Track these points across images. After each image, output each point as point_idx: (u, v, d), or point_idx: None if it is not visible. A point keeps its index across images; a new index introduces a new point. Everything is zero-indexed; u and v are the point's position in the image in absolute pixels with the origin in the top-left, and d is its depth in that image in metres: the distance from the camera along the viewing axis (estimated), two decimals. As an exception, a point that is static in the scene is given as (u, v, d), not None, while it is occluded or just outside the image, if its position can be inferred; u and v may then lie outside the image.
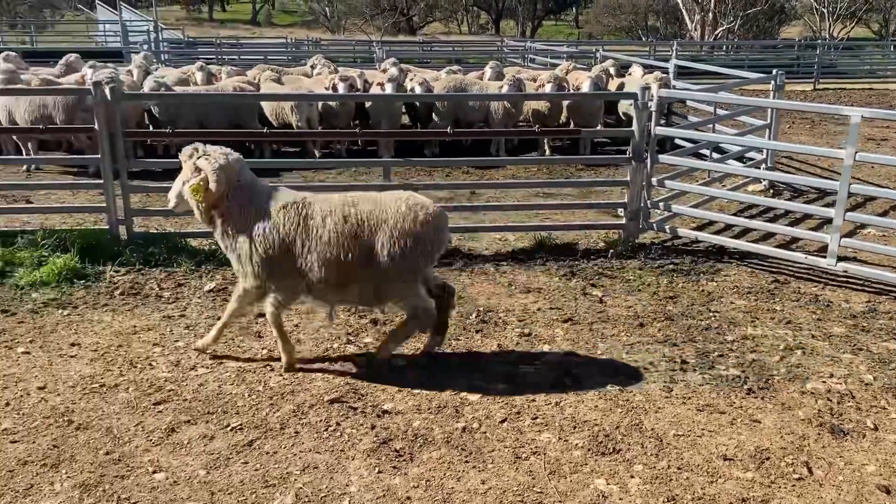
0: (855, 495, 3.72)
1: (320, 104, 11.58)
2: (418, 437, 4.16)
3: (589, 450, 4.07)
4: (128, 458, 3.93)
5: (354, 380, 4.79)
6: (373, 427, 4.24)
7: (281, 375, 4.82)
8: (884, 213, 8.79)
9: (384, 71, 13.51)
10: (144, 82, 11.28)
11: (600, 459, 3.99)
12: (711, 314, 5.93)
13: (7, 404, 4.44)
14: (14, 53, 14.19)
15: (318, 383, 4.74)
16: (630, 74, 13.76)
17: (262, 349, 5.23)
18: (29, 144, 10.85)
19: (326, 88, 11.64)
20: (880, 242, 7.42)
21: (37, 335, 5.38)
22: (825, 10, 42.76)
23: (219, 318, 5.13)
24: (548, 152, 12.18)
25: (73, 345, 5.25)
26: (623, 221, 7.59)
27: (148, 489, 3.69)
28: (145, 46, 22.83)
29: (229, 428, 4.21)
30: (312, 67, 14.94)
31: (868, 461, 3.99)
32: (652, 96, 7.23)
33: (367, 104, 11.93)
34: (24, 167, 10.57)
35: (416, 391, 4.66)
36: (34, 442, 4.06)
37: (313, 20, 59.90)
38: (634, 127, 7.25)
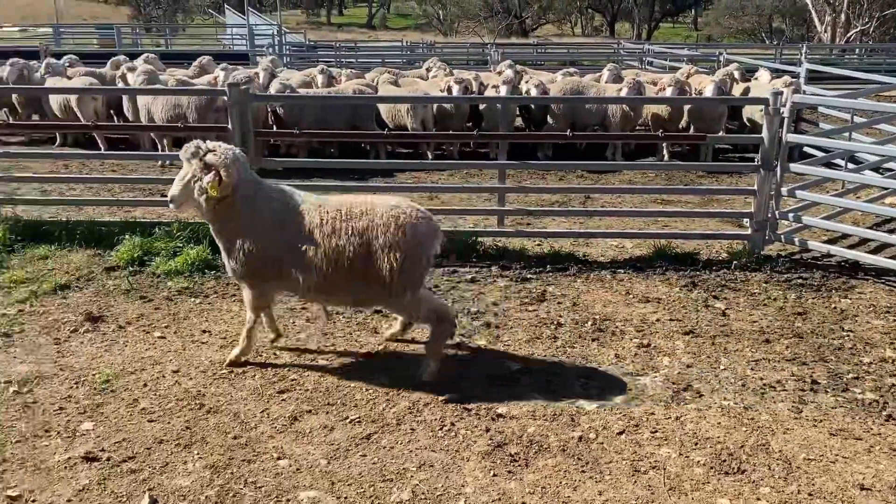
0: None
1: (435, 106, 11.73)
2: (533, 443, 4.13)
3: (711, 468, 3.92)
4: (254, 443, 4.10)
5: (468, 382, 4.81)
6: (487, 430, 4.24)
7: (396, 372, 4.90)
8: None
9: (499, 73, 13.52)
10: (270, 84, 11.79)
11: (724, 479, 3.83)
12: (845, 333, 5.59)
13: (145, 385, 4.74)
14: (153, 55, 15.16)
15: (433, 382, 4.78)
16: (756, 79, 13.17)
17: (378, 345, 5.33)
18: (164, 141, 11.56)
19: (441, 91, 11.79)
20: None
21: (171, 321, 5.72)
22: (973, 11, 39.50)
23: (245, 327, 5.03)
24: (667, 157, 11.84)
25: (204, 331, 5.54)
26: (748, 232, 7.26)
27: (272, 474, 3.84)
28: (270, 49, 23.82)
29: (348, 420, 4.33)
30: (428, 70, 15.16)
31: None
32: (784, 102, 6.88)
33: (482, 106, 11.98)
34: (160, 162, 11.25)
35: (531, 397, 4.63)
36: (169, 422, 4.31)
37: (426, 23, 60.89)
38: (765, 133, 6.93)
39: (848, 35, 39.09)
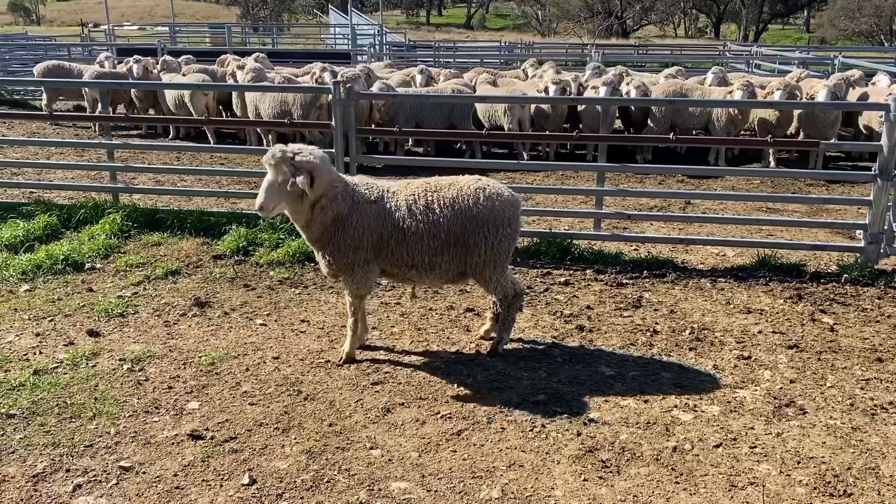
0: None
1: (532, 107, 11.68)
2: (626, 450, 4.06)
3: (815, 488, 3.74)
4: (348, 431, 4.21)
5: (560, 384, 4.77)
6: (578, 434, 4.20)
7: (487, 371, 4.93)
8: None
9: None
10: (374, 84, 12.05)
11: (827, 501, 3.65)
12: (967, 356, 5.22)
13: (247, 369, 4.95)
14: (262, 55, 15.75)
15: (525, 382, 4.78)
16: (874, 83, 12.45)
17: (470, 343, 5.37)
18: (270, 136, 12.02)
19: (539, 91, 11.72)
20: None
21: (272, 309, 5.94)
22: None
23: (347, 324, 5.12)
24: (773, 164, 11.37)
25: (302, 321, 5.73)
26: (861, 244, 6.88)
27: (365, 463, 3.93)
28: (371, 49, 24.30)
29: (439, 415, 4.38)
30: (524, 72, 15.11)
31: None
32: (909, 108, 6.47)
33: (581, 108, 11.84)
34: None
35: (624, 403, 4.56)
36: (268, 406, 4.48)
37: (525, 24, 60.68)
38: (884, 141, 6.54)
39: (979, 37, 36.40)
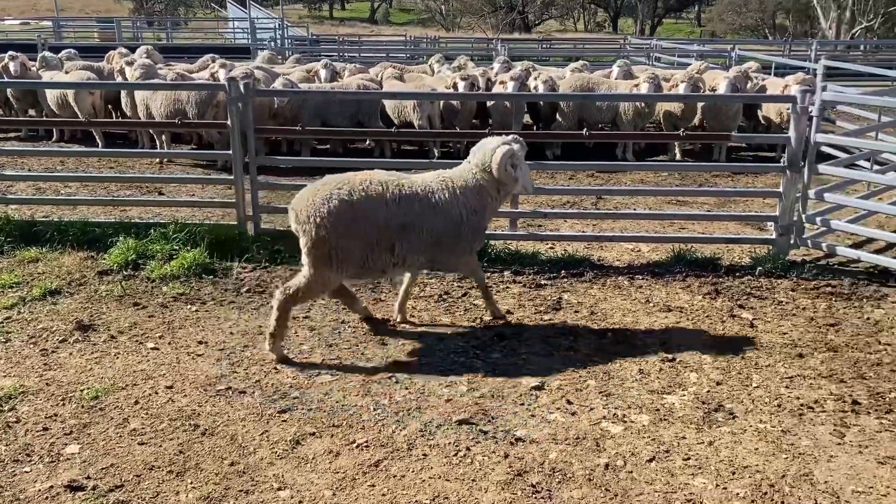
0: None
1: (441, 103, 11.38)
2: (556, 471, 3.80)
3: (752, 501, 3.58)
4: (252, 470, 3.77)
5: (483, 399, 4.48)
6: (506, 455, 3.91)
7: (406, 389, 4.58)
8: None
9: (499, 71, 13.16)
10: (276, 80, 11.45)
11: (767, 515, 3.50)
12: (882, 347, 5.25)
13: (136, 403, 4.41)
14: (152, 49, 14.81)
15: (445, 400, 4.46)
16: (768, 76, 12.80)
17: (387, 357, 5.00)
18: (163, 137, 11.23)
19: (448, 87, 11.44)
20: None
21: (166, 330, 5.39)
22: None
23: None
24: (678, 156, 11.49)
25: (200, 342, 5.21)
26: (773, 236, 6.92)
27: (273, 507, 3.51)
28: (272, 44, 23.45)
29: (355, 445, 3.99)
30: (431, 68, 14.79)
31: None
32: (813, 100, 6.53)
33: (489, 103, 11.62)
34: (158, 159, 10.91)
35: (551, 417, 4.31)
36: (161, 446, 3.98)
37: (429, 18, 60.43)
38: (792, 133, 6.58)
39: (853, 31, 38.72)
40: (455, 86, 11.20)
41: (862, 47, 32.25)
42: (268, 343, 4.91)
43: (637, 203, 9.01)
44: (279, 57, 19.98)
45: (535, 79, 11.86)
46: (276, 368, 4.83)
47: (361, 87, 11.47)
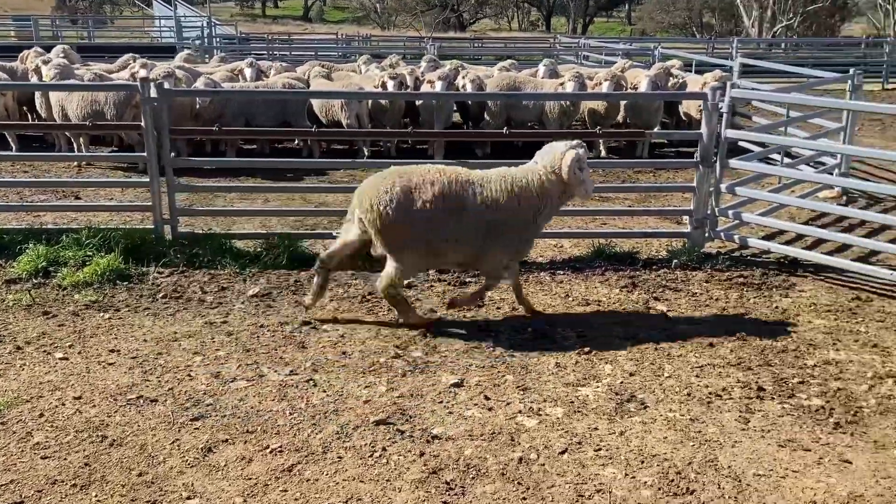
0: (970, 557, 3.27)
1: (370, 102, 11.33)
2: (471, 467, 3.83)
3: (659, 489, 3.68)
4: (161, 480, 3.68)
5: (402, 399, 4.48)
6: (421, 454, 3.92)
7: (324, 392, 4.55)
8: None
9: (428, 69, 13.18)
10: (198, 80, 11.20)
11: (672, 501, 3.60)
12: (788, 334, 5.46)
13: (41, 415, 4.26)
14: (68, 48, 14.30)
15: (364, 401, 4.45)
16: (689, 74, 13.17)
17: (307, 361, 4.95)
18: (81, 139, 10.87)
19: (376, 86, 11.40)
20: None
21: (76, 340, 5.21)
22: (890, 7, 41.13)
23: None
24: (603, 153, 11.73)
25: (112, 351, 5.06)
26: (688, 230, 7.13)
27: (181, 517, 3.44)
28: (199, 42, 22.94)
29: (268, 450, 3.94)
30: (359, 68, 14.69)
31: (981, 515, 3.52)
32: (723, 97, 6.75)
33: (418, 102, 11.63)
34: (76, 162, 10.56)
35: (469, 413, 4.34)
36: (65, 459, 3.85)
37: (364, 16, 60.07)
38: (703, 129, 6.79)
39: (774, 30, 40.19)
40: (384, 84, 11.17)
41: (783, 45, 33.46)
42: (401, 318, 5.45)
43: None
44: (206, 56, 19.58)
45: (463, 78, 11.93)
46: (189, 376, 4.72)
47: (287, 87, 11.32)
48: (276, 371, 4.81)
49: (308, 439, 4.05)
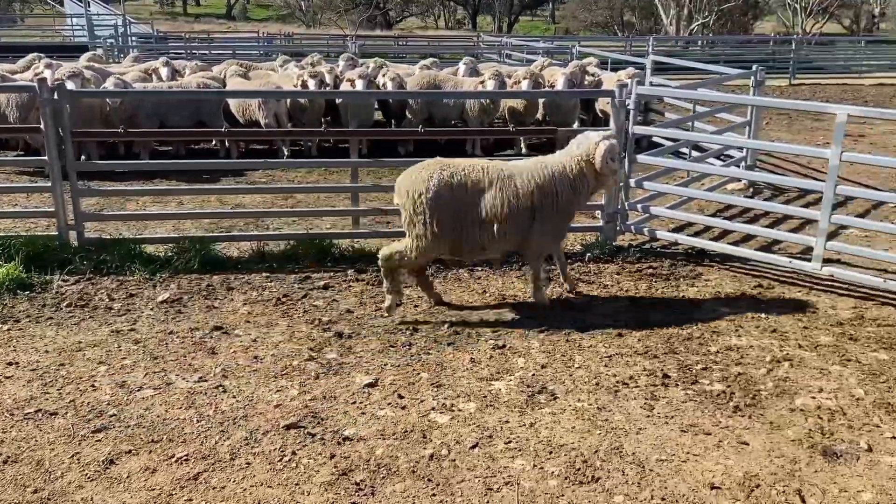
0: (852, 528, 3.45)
1: (289, 101, 11.18)
2: (381, 466, 3.83)
3: (566, 478, 3.76)
4: (58, 496, 3.55)
5: (314, 402, 4.44)
6: (332, 456, 3.90)
7: (234, 398, 4.47)
8: (864, 213, 8.59)
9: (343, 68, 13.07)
10: (107, 80, 10.82)
11: (578, 490, 3.68)
12: (693, 323, 5.65)
13: (-71, 434, 4.05)
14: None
15: (275, 406, 4.39)
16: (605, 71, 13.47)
17: (217, 367, 4.86)
18: (-19, 143, 10.38)
19: (295, 85, 11.25)
20: (863, 244, 7.20)
21: (-29, 354, 4.97)
22: (798, 6, 43.07)
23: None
24: (524, 150, 11.88)
25: (10, 364, 4.84)
26: (600, 224, 7.30)
27: (78, 533, 3.32)
28: (112, 41, 22.17)
29: (174, 459, 3.85)
30: (281, 65, 14.47)
31: (864, 487, 3.72)
32: (629, 94, 6.93)
33: (338, 101, 11.53)
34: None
35: (381, 413, 4.33)
36: (-45, 479, 3.67)
37: (289, 14, 59.12)
38: (612, 125, 6.96)
39: (691, 28, 41.52)
40: (305, 84, 11.03)
41: (700, 42, 34.57)
42: (387, 310, 5.66)
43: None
44: (121, 56, 18.95)
45: (384, 76, 11.90)
46: (93, 386, 4.57)
47: (201, 86, 11.06)
48: (184, 378, 4.70)
49: (215, 446, 3.97)
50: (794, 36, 33.24)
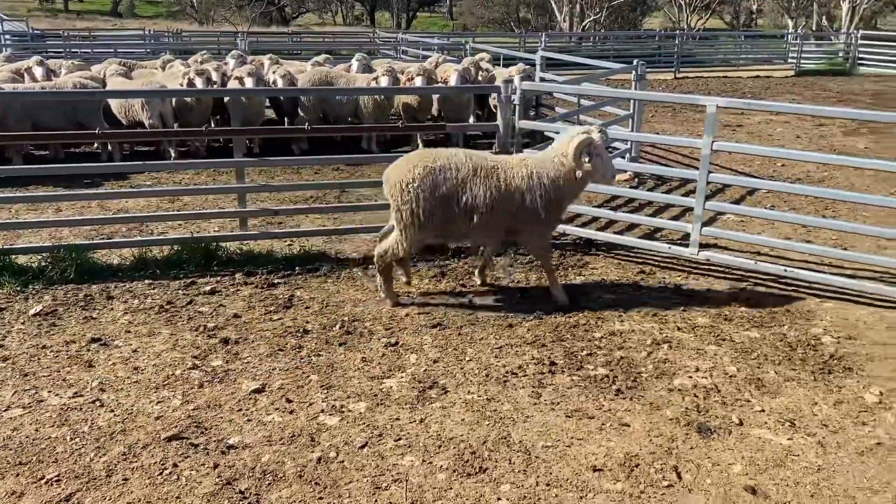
0: (723, 500, 3.63)
1: (174, 100, 10.78)
2: (267, 473, 3.75)
3: (454, 471, 3.79)
4: (-89, 530, 3.30)
5: (198, 411, 4.30)
6: (215, 466, 3.79)
7: (112, 412, 4.27)
8: (740, 199, 9.08)
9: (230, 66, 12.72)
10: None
11: (466, 482, 3.72)
12: (580, 310, 5.81)
13: None
14: None
15: (155, 418, 4.22)
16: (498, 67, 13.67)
17: (94, 380, 4.63)
18: None
19: (182, 84, 10.85)
20: (738, 229, 7.61)
21: None
22: (683, 2, 45.06)
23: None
24: (420, 146, 11.89)
25: None
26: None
27: (-67, 569, 3.10)
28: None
29: (44, 481, 3.64)
30: (165, 63, 13.91)
31: (734, 460, 3.93)
32: (515, 89, 7.05)
33: (226, 99, 11.21)
34: None
35: (268, 419, 4.24)
36: None
37: (179, 10, 57.02)
38: (499, 120, 7.07)
39: (583, 24, 42.73)
40: (192, 82, 10.65)
41: (592, 39, 35.58)
42: (386, 302, 5.84)
43: (379, 196, 9.14)
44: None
45: (274, 73, 11.66)
46: (-46, 409, 4.27)
47: (79, 86, 10.51)
48: (57, 394, 4.46)
49: (90, 464, 3.79)
50: (678, 31, 34.73)
